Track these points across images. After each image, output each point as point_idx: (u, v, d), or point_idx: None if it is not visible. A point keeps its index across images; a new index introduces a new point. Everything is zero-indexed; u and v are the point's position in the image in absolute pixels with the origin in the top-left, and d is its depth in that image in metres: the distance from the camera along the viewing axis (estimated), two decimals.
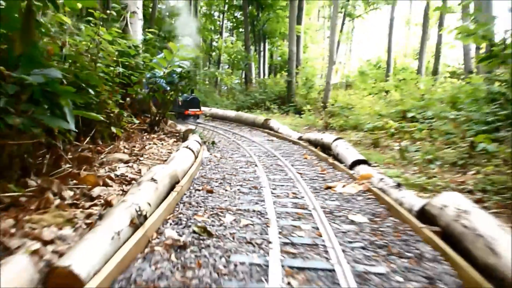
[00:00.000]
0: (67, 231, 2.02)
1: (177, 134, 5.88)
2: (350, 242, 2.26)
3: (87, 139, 3.78)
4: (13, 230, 1.92)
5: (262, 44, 17.76)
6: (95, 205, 2.46)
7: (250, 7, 14.63)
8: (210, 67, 19.39)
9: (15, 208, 2.19)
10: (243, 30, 17.18)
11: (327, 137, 5.79)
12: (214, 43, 21.18)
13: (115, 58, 4.48)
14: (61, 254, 1.68)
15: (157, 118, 5.79)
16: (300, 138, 6.90)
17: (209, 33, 18.55)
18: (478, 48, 8.78)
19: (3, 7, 2.98)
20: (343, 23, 16.10)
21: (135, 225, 2.01)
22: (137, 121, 5.03)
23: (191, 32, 12.55)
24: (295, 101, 13.99)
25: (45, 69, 2.70)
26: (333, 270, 1.90)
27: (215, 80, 19.19)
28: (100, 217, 2.03)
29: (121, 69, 4.60)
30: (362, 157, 4.51)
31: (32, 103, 2.69)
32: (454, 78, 12.99)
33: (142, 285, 1.64)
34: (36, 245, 1.74)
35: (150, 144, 4.70)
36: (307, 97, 14.28)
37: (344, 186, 3.59)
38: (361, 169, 4.08)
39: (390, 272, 1.92)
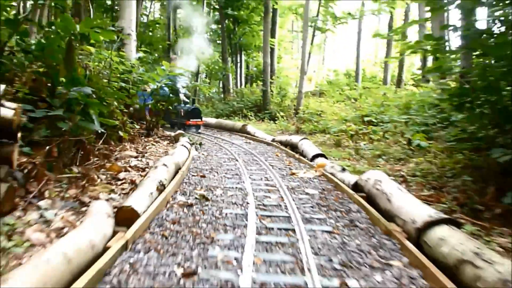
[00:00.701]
0: (113, 195, 3.03)
1: (169, 138, 6.88)
2: (303, 204, 3.31)
3: (101, 140, 4.76)
4: (79, 195, 2.92)
5: (238, 56, 18.80)
6: (124, 183, 3.46)
7: (227, 22, 15.63)
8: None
9: (71, 184, 3.18)
10: (220, 42, 18.08)
11: (294, 138, 6.91)
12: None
13: (119, 75, 5.49)
14: (118, 205, 2.68)
15: (151, 125, 6.79)
16: (273, 140, 7.97)
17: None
18: (437, 59, 9.88)
19: (47, 42, 3.99)
20: (313, 36, 17.25)
21: (159, 190, 3.03)
22: (137, 127, 6.03)
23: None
24: (270, 109, 15.02)
25: (81, 87, 3.70)
26: (289, 217, 2.94)
27: (193, 90, 20.09)
28: (136, 185, 3.05)
29: (123, 84, 5.60)
30: (321, 152, 5.62)
31: (69, 112, 3.68)
32: (417, 86, 14.18)
33: (170, 221, 2.66)
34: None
35: (149, 145, 5.70)
36: (281, 105, 15.35)
37: (305, 172, 4.67)
38: (319, 161, 5.18)
39: (326, 218, 2.97)
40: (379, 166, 5.24)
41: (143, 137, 6.26)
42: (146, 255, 2.08)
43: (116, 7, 12.41)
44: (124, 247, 2.11)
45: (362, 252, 2.30)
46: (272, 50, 16.30)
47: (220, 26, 15.06)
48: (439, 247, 2.14)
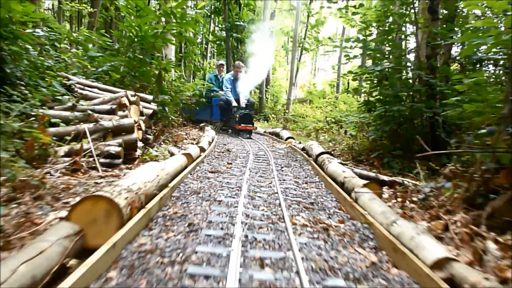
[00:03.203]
0: (187, 144, 6.65)
1: (198, 127, 10.51)
2: (275, 155, 6.91)
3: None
4: (175, 143, 6.52)
5: None
6: (189, 143, 7.06)
7: (231, 40, 19.28)
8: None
9: (169, 140, 6.75)
10: (224, 56, 21.71)
11: (277, 129, 10.60)
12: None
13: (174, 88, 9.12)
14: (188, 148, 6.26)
15: (186, 118, 10.44)
16: (265, 132, 11.62)
17: (196, 56, 22.98)
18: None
19: (144, 70, 7.61)
20: (301, 54, 20.88)
21: (209, 143, 6.64)
22: (181, 119, 9.64)
23: None
24: (264, 112, 18.62)
25: (164, 95, 7.33)
26: (268, 158, 6.52)
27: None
28: (198, 142, 6.67)
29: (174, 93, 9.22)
30: (291, 135, 9.29)
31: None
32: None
33: (216, 154, 6.27)
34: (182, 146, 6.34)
35: (188, 130, 9.30)
36: (274, 109, 19.02)
37: (280, 145, 8.30)
38: (289, 140, 8.81)
39: (285, 158, 6.56)
40: (323, 142, 8.86)
41: (182, 126, 9.87)
42: (213, 160, 5.67)
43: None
44: (204, 157, 5.70)
45: (296, 165, 5.90)
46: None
47: (225, 44, 18.55)
48: (325, 165, 5.71)
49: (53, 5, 24.71)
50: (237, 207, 3.11)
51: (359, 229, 2.81)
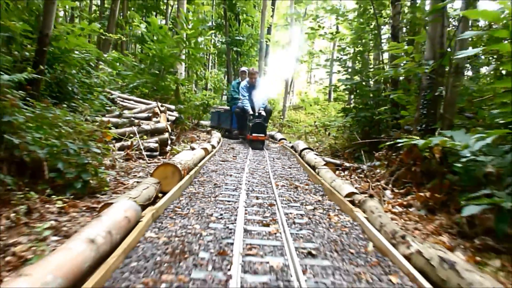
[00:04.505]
0: (200, 142, 8.50)
1: (206, 131, 12.39)
2: (270, 152, 8.76)
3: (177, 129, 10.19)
4: (191, 143, 8.38)
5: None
6: (201, 142, 8.91)
7: (232, 53, 21.19)
8: (197, 92, 25.89)
9: (186, 141, 8.60)
10: (225, 67, 23.58)
11: (273, 133, 12.47)
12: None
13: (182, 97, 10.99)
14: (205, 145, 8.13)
15: (197, 123, 12.31)
16: None
17: (199, 66, 24.79)
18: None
19: (164, 85, 9.47)
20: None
21: (217, 143, 8.50)
22: (191, 124, 11.50)
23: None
24: None
25: (180, 105, 9.21)
26: (264, 154, 8.36)
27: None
28: (211, 136, 8.53)
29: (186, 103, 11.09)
30: (284, 137, 11.15)
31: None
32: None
33: (224, 150, 8.12)
34: (198, 144, 8.19)
35: (197, 133, 11.15)
36: (271, 115, 20.91)
37: (274, 145, 10.16)
38: (282, 141, 10.67)
39: (277, 153, 8.41)
40: (311, 143, 10.71)
41: (192, 130, 11.74)
42: (222, 154, 7.52)
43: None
44: (215, 152, 7.54)
45: (285, 158, 7.75)
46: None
47: (226, 56, 20.44)
48: (304, 156, 7.54)
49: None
50: (242, 178, 4.96)
51: (315, 187, 4.67)
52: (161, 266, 2.14)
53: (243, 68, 11.74)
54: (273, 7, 22.21)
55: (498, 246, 2.98)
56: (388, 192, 4.38)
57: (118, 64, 9.96)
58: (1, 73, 3.90)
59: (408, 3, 9.29)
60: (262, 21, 19.82)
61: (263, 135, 9.18)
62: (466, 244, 3.08)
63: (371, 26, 9.85)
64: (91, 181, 3.89)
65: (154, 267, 2.12)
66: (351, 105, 9.48)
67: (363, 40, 10.00)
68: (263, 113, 9.61)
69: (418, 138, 4.02)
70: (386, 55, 9.81)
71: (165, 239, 2.56)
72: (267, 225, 3.03)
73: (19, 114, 3.72)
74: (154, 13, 22.47)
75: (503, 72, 4.87)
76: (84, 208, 3.36)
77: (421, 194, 4.01)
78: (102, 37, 10.36)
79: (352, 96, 9.53)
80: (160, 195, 3.72)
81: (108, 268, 1.97)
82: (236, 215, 3.20)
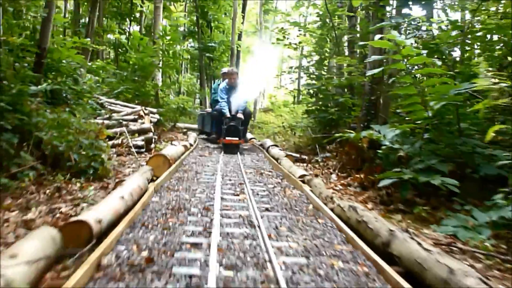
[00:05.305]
0: (178, 141, 9.57)
1: (182, 132, 13.40)
2: (242, 150, 9.87)
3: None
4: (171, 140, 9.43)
5: (212, 82, 25.36)
6: (176, 140, 9.96)
7: (204, 58, 22.22)
8: (171, 96, 26.85)
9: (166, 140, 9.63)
10: (198, 72, 24.54)
11: None
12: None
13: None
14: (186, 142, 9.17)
15: (174, 125, 13.32)
16: None
17: (172, 72, 25.68)
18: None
19: (144, 90, 10.48)
20: None
21: (193, 144, 9.57)
22: (169, 126, 12.52)
23: None
24: None
25: (160, 109, 10.24)
26: (236, 153, 9.47)
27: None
28: (187, 136, 9.58)
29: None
30: (254, 137, 12.29)
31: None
32: None
33: (200, 147, 9.20)
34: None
35: (174, 134, 12.17)
36: None
37: (245, 144, 11.30)
38: (252, 140, 11.82)
39: (249, 151, 9.54)
40: (278, 142, 11.89)
41: (170, 131, 12.75)
42: (199, 151, 8.59)
43: None
44: (193, 149, 8.61)
45: (254, 153, 8.88)
46: None
47: (199, 62, 21.45)
48: (270, 151, 8.68)
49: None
50: (217, 167, 6.06)
51: (277, 173, 5.82)
52: (167, 215, 3.24)
53: (224, 69, 10.98)
54: (243, 14, 23.34)
55: (404, 208, 4.18)
56: (333, 176, 5.58)
57: (101, 72, 10.91)
58: (30, 84, 4.89)
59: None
60: (233, 28, 20.94)
61: (237, 138, 8.61)
62: (383, 208, 4.28)
63: (331, 36, 11.10)
64: (99, 169, 4.92)
65: (162, 215, 3.22)
66: (313, 107, 10.68)
67: (324, 49, 11.26)
68: (241, 115, 9.11)
69: (353, 132, 5.21)
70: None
71: (165, 202, 3.67)
72: (237, 195, 4.16)
73: (42, 116, 4.74)
74: (128, 20, 23.30)
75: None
76: (98, 187, 4.41)
77: (357, 176, 5.22)
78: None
79: (314, 99, 10.72)
80: (154, 178, 4.79)
81: (134, 213, 3.06)
82: (215, 190, 4.32)
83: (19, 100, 4.64)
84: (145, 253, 2.33)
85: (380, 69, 4.27)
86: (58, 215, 3.37)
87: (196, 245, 2.54)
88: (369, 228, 2.76)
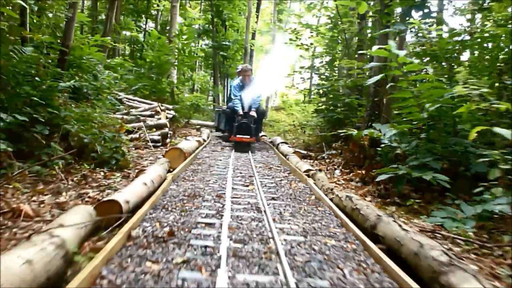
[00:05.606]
0: (192, 136, 9.99)
1: (196, 128, 13.85)
2: (252, 147, 10.27)
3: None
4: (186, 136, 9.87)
5: (226, 80, 25.79)
6: (190, 135, 10.40)
7: (218, 57, 22.65)
8: (185, 93, 27.35)
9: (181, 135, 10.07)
10: (211, 69, 24.99)
11: None
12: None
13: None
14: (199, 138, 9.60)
15: (188, 121, 13.78)
16: None
17: (187, 69, 26.16)
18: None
19: (160, 87, 10.93)
20: None
21: (206, 140, 10.00)
22: (183, 122, 12.97)
23: None
24: None
25: (175, 105, 10.69)
26: (248, 153, 9.88)
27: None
28: (200, 132, 10.02)
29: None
30: (265, 134, 12.69)
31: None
32: None
33: (213, 142, 9.62)
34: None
35: (189, 130, 12.62)
36: None
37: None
38: (263, 137, 12.21)
39: (259, 148, 9.93)
40: (288, 139, 12.28)
41: (184, 127, 13.20)
42: (212, 146, 9.01)
43: None
44: (206, 144, 9.03)
45: (264, 150, 9.28)
46: None
47: (213, 60, 21.89)
48: (280, 148, 9.06)
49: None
50: (229, 162, 6.47)
51: (285, 168, 6.22)
52: (184, 200, 3.66)
53: (239, 67, 10.62)
54: (257, 14, 23.72)
55: (399, 202, 4.54)
56: (337, 171, 5.95)
57: (119, 69, 11.37)
58: (59, 81, 5.34)
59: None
60: (247, 27, 21.35)
61: (248, 136, 8.38)
62: (381, 200, 4.65)
63: (342, 38, 11.44)
64: (121, 160, 5.36)
65: (179, 200, 3.64)
66: (323, 107, 11.03)
67: (334, 51, 11.60)
68: (254, 113, 8.97)
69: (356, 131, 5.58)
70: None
71: (182, 189, 4.09)
72: (247, 185, 4.57)
73: (69, 111, 5.18)
74: (144, 18, 23.79)
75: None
76: (120, 176, 4.85)
77: (359, 171, 5.59)
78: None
79: (324, 99, 11.07)
80: (171, 170, 5.21)
81: (156, 198, 3.49)
82: (226, 181, 4.73)
83: (49, 95, 5.09)
84: (166, 229, 2.74)
85: (379, 76, 4.63)
86: (86, 199, 3.80)
87: (210, 225, 2.95)
88: (361, 214, 3.14)
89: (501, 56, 5.22)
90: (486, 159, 3.58)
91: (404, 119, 4.93)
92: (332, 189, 4.16)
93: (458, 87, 3.51)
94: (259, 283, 2.00)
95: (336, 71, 12.03)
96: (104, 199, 2.96)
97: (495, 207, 3.56)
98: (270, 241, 2.66)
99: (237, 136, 8.37)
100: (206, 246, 2.46)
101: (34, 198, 3.66)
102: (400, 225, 2.63)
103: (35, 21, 8.80)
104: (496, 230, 3.63)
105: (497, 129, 3.16)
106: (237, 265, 2.22)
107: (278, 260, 2.31)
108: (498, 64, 5.58)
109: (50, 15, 9.71)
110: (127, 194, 3.13)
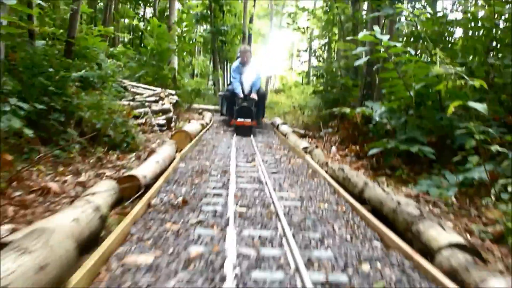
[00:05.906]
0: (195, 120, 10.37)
1: (198, 112, 14.23)
2: (254, 131, 10.67)
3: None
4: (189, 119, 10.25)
5: (225, 65, 26.06)
6: (193, 119, 10.78)
7: (217, 41, 22.89)
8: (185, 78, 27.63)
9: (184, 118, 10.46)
10: (210, 54, 25.22)
11: None
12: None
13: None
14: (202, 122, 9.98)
15: (190, 106, 14.15)
16: None
17: (186, 55, 26.34)
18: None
19: (162, 74, 11.28)
20: None
21: (209, 123, 10.37)
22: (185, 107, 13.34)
23: None
24: None
25: (178, 90, 11.04)
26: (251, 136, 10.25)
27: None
28: (203, 116, 10.39)
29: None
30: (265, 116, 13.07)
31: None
32: None
33: (216, 123, 10.00)
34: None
35: (191, 114, 12.99)
36: None
37: None
38: (264, 119, 12.59)
39: (261, 130, 10.31)
40: (288, 120, 12.65)
41: (186, 112, 13.57)
42: (214, 128, 9.39)
43: None
44: (209, 127, 9.41)
45: (265, 130, 9.66)
46: None
47: (211, 45, 22.14)
48: (280, 128, 9.44)
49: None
50: (232, 142, 6.86)
51: (284, 147, 6.62)
52: (192, 176, 4.07)
53: (241, 47, 10.35)
54: None
55: (390, 173, 4.94)
56: (333, 148, 6.35)
57: (122, 56, 11.71)
58: (65, 70, 5.71)
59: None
60: (244, 11, 21.53)
61: (249, 120, 8.19)
62: (373, 172, 5.04)
63: (337, 21, 11.73)
64: (131, 143, 5.75)
65: (189, 176, 4.05)
66: (320, 88, 11.38)
67: (330, 33, 11.91)
68: (255, 96, 8.76)
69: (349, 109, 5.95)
70: None
71: (191, 167, 4.50)
72: (250, 162, 4.98)
73: (80, 99, 5.56)
74: (142, 5, 23.95)
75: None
76: (132, 157, 5.25)
77: (353, 147, 5.98)
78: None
79: (322, 80, 11.41)
80: (178, 150, 5.61)
81: (168, 174, 3.90)
82: (230, 158, 5.13)
83: (63, 85, 5.46)
84: (180, 199, 3.15)
85: (365, 59, 5.03)
86: (104, 178, 4.21)
87: (217, 194, 3.36)
88: (351, 182, 3.55)
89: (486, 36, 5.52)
90: (464, 131, 3.94)
91: (393, 97, 5.28)
92: (326, 163, 4.56)
93: (435, 67, 3.87)
94: (262, 236, 2.41)
95: (335, 54, 12.35)
96: (125, 174, 3.36)
97: (474, 175, 3.94)
98: (270, 206, 3.06)
99: (238, 120, 8.22)
100: (215, 211, 2.87)
101: (57, 178, 4.06)
102: (383, 189, 3.02)
103: (41, 13, 9.11)
104: (476, 196, 4.03)
105: (472, 103, 3.53)
106: (243, 224, 2.63)
107: (278, 219, 2.72)
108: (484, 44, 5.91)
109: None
110: (143, 170, 3.53)
